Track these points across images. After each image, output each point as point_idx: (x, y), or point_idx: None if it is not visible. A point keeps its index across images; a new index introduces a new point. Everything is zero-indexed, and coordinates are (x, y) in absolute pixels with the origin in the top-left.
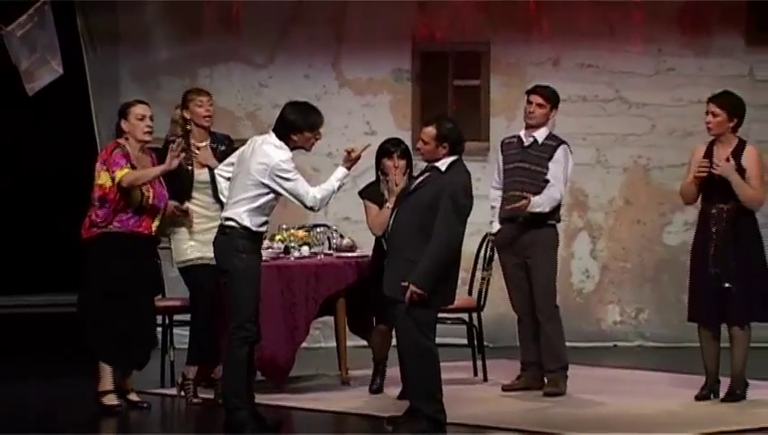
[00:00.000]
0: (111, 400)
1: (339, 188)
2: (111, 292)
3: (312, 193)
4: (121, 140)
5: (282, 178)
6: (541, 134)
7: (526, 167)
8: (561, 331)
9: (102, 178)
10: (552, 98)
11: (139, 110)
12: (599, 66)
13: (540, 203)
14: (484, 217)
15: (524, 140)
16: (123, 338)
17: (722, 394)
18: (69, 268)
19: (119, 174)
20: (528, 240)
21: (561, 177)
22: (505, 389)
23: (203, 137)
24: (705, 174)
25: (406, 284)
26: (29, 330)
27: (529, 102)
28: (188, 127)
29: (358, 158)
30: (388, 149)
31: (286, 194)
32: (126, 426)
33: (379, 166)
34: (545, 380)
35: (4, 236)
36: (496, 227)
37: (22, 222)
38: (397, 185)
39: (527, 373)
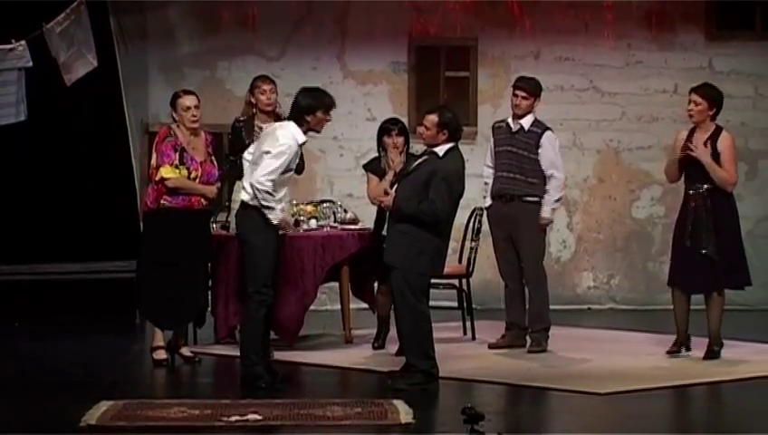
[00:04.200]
0: (160, 354)
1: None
2: (163, 261)
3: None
4: (173, 126)
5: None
6: (527, 121)
7: (514, 151)
8: (547, 297)
9: (154, 161)
10: (534, 89)
11: (185, 102)
12: (575, 59)
13: (552, 200)
14: (472, 193)
15: (512, 126)
16: (168, 301)
17: (694, 350)
18: (105, 238)
19: (164, 172)
20: (516, 215)
21: (557, 163)
22: (491, 346)
23: (266, 120)
24: (684, 154)
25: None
26: (86, 294)
27: (515, 95)
28: (254, 111)
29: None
30: (388, 127)
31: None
32: (162, 376)
33: (380, 143)
34: (528, 339)
35: (50, 210)
36: (488, 202)
37: (63, 198)
38: (393, 161)
39: (511, 333)
